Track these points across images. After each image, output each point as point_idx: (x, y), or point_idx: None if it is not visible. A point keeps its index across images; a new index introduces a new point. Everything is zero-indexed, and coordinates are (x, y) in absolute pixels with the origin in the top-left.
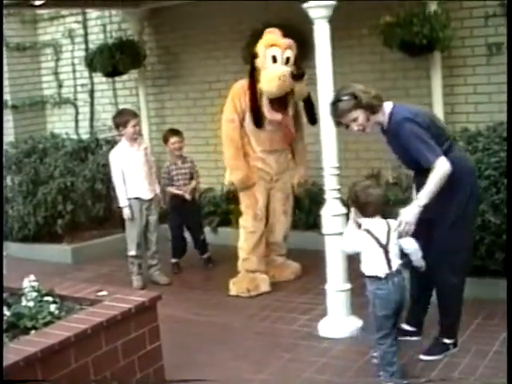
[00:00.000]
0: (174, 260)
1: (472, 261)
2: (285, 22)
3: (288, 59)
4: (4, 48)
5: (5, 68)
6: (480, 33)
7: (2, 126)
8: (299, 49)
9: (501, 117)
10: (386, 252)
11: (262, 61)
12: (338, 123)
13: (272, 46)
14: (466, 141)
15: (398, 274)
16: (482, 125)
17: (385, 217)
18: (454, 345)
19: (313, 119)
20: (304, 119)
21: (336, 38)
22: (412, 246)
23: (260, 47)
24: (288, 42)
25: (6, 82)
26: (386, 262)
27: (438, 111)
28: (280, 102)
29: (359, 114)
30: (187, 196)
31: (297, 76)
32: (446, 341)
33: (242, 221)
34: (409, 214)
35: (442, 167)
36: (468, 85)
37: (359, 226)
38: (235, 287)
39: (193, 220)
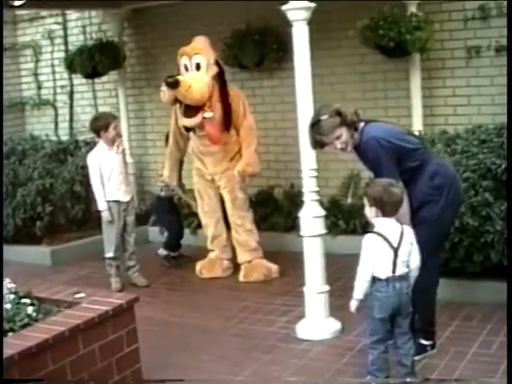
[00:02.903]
0: (165, 252)
1: (450, 263)
2: (264, 24)
3: (198, 65)
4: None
5: None
6: (459, 36)
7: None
8: (278, 51)
9: (479, 119)
10: (396, 255)
11: (180, 71)
12: (316, 143)
13: (182, 55)
14: (445, 143)
15: (401, 280)
16: (461, 127)
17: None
18: (432, 346)
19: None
20: (247, 117)
21: (315, 40)
22: (417, 257)
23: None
24: (197, 47)
25: None
26: (392, 265)
27: (417, 113)
28: (193, 109)
29: (343, 132)
30: (192, 203)
31: (170, 84)
32: (423, 342)
33: None
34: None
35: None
36: (447, 87)
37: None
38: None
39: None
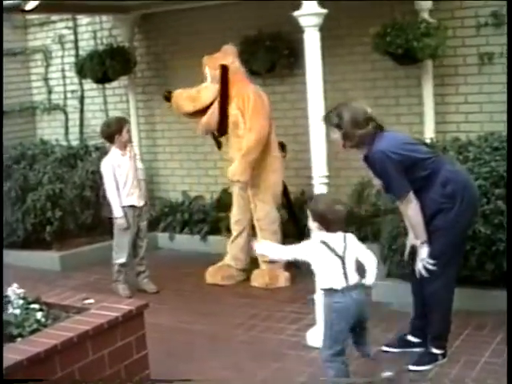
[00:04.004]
0: None
1: (462, 271)
2: (276, 30)
3: (206, 75)
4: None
5: None
6: (472, 42)
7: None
8: (290, 57)
9: (491, 126)
10: (343, 264)
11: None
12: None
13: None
14: (457, 150)
15: (357, 289)
16: (473, 134)
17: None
18: (443, 355)
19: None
20: (251, 126)
21: (326, 47)
22: (371, 261)
23: None
24: (206, 59)
25: None
26: (343, 274)
27: (429, 120)
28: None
29: (337, 135)
30: None
31: (164, 97)
32: (435, 351)
33: None
34: (422, 255)
35: (413, 206)
36: (459, 94)
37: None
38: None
39: None
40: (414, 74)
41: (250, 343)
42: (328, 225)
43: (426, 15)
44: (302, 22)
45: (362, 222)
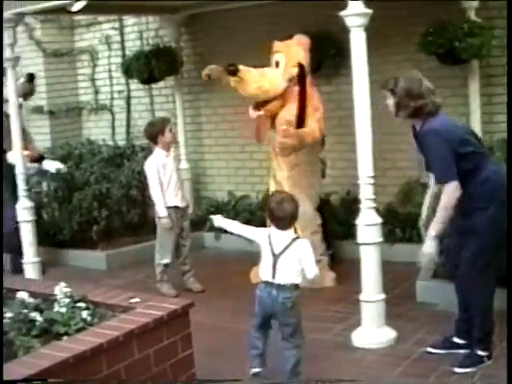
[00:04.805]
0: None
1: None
2: (321, 30)
3: (277, 63)
4: (41, 53)
5: (42, 74)
6: None
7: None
8: (336, 57)
9: None
10: (275, 261)
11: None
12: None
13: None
14: (505, 151)
15: (279, 289)
16: None
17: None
18: (489, 357)
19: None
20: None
21: (372, 47)
22: (310, 271)
23: None
24: (279, 45)
25: (43, 88)
26: (272, 270)
27: (476, 121)
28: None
29: (390, 101)
30: None
31: (229, 71)
32: (480, 353)
33: None
34: (426, 249)
35: (450, 194)
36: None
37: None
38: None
39: None
40: (460, 73)
41: None
42: (276, 221)
43: (472, 14)
44: (348, 22)
45: (408, 222)
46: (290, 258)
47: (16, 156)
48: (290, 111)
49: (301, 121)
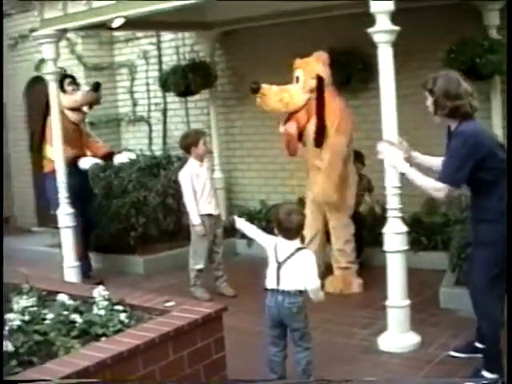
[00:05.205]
0: None
1: None
2: (349, 45)
3: (297, 78)
4: (82, 67)
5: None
6: None
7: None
8: (363, 71)
9: None
10: (279, 268)
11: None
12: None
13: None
14: None
15: (284, 295)
16: None
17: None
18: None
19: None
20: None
21: (399, 62)
22: (310, 282)
23: None
24: (299, 62)
25: None
26: (276, 277)
27: (498, 135)
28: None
29: (429, 101)
30: None
31: (251, 89)
32: (486, 375)
33: None
34: (392, 157)
35: (434, 189)
36: None
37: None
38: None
39: None
40: (484, 88)
41: (321, 346)
42: (284, 232)
43: (494, 32)
44: (376, 38)
45: (433, 231)
46: (292, 267)
47: (58, 162)
48: (310, 126)
49: (321, 131)
